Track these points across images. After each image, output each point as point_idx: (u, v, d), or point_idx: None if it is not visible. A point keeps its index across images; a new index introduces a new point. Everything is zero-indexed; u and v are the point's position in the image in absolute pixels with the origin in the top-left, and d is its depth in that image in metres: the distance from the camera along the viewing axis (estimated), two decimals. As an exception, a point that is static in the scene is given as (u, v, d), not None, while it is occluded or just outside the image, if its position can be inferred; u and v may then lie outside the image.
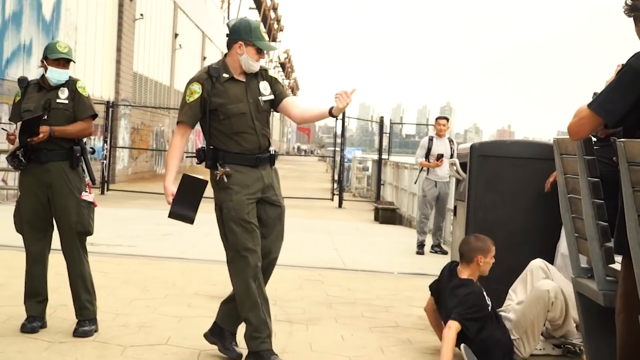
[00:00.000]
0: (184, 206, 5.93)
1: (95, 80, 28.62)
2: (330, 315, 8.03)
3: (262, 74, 6.22)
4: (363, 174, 36.15)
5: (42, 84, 6.78)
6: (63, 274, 6.85)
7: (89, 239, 6.85)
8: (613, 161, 4.81)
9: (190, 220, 5.96)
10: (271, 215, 6.15)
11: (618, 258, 4.75)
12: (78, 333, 6.58)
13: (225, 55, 6.16)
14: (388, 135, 29.96)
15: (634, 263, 3.89)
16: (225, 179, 5.92)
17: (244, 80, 6.09)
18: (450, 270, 6.74)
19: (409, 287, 10.14)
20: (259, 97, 6.08)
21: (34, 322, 6.67)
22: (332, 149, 36.58)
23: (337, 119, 27.03)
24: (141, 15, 34.58)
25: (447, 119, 14.54)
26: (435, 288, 6.80)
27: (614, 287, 4.71)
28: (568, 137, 5.09)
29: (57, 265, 7.18)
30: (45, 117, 6.59)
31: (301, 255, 12.75)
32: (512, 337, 6.57)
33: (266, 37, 6.15)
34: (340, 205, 25.62)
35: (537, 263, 6.70)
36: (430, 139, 14.18)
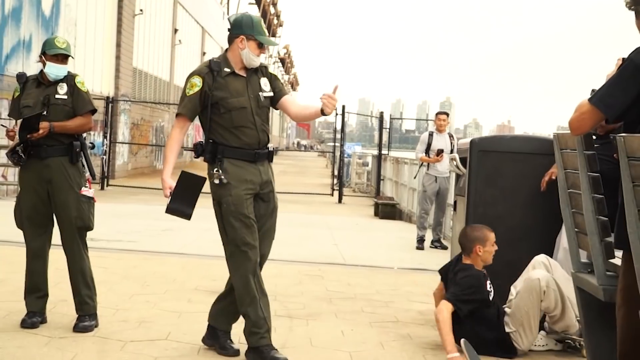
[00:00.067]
0: (181, 202, 5.94)
1: (95, 75, 28.60)
2: (330, 311, 8.03)
3: (262, 70, 6.24)
4: (363, 170, 36.13)
5: (40, 79, 6.78)
6: (63, 269, 6.86)
7: (88, 234, 6.85)
8: (613, 158, 4.80)
9: (187, 216, 5.97)
10: (264, 212, 6.15)
11: (618, 253, 4.75)
12: (78, 328, 6.58)
13: (227, 50, 6.17)
14: (388, 130, 29.94)
15: (634, 258, 3.88)
16: (221, 180, 5.93)
17: (245, 75, 6.10)
18: (458, 257, 6.86)
19: (409, 282, 10.14)
20: (259, 93, 6.10)
21: (34, 317, 6.67)
22: (332, 144, 36.60)
23: (336, 115, 27.17)
24: (141, 10, 34.55)
25: (447, 114, 14.52)
26: (444, 272, 6.89)
27: (614, 282, 4.71)
28: (568, 132, 5.10)
29: (57, 261, 7.18)
30: (45, 112, 6.59)
31: (301, 250, 12.77)
32: (509, 330, 6.59)
33: (267, 32, 6.16)
34: (340, 201, 25.61)
35: (540, 259, 6.70)
36: (430, 134, 14.16)
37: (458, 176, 8.36)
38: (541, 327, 6.77)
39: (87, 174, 6.82)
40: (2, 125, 7.61)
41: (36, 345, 6.12)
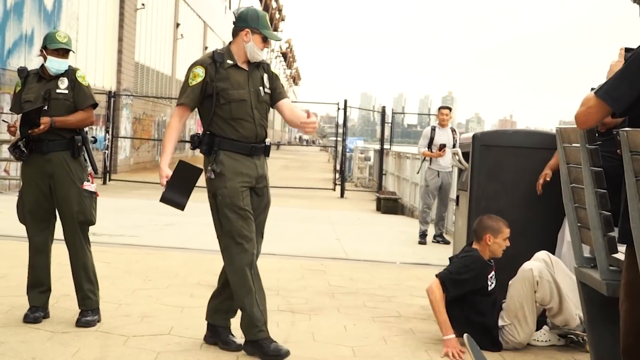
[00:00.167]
0: (176, 192, 5.94)
1: (96, 70, 28.60)
2: (333, 305, 8.03)
3: (264, 67, 6.26)
4: (365, 164, 36.15)
5: (41, 74, 6.77)
6: (66, 264, 6.85)
7: (91, 228, 6.85)
8: (616, 154, 4.79)
9: (181, 206, 5.97)
10: (257, 205, 6.16)
11: (621, 248, 4.74)
12: (81, 323, 6.58)
13: (230, 42, 6.19)
14: (390, 125, 29.94)
15: (637, 252, 3.88)
16: (214, 172, 5.94)
17: (247, 69, 6.11)
18: (468, 243, 6.94)
19: (411, 277, 10.14)
20: (260, 87, 6.11)
21: (37, 312, 6.67)
22: (334, 138, 36.58)
23: (338, 109, 27.17)
24: (142, 5, 34.54)
25: (450, 109, 14.50)
26: (453, 258, 6.96)
27: (617, 276, 4.70)
28: (571, 126, 5.09)
29: (59, 256, 7.18)
30: (46, 107, 6.58)
31: (303, 245, 12.77)
32: (504, 323, 6.60)
33: (270, 27, 6.19)
34: (342, 195, 25.61)
35: (541, 255, 6.70)
36: (433, 129, 14.14)
37: (460, 171, 8.34)
38: (544, 323, 6.77)
39: (90, 169, 6.82)
40: (3, 120, 7.61)
41: (39, 340, 6.12)
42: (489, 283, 6.65)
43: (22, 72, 6.87)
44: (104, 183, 24.88)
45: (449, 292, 6.48)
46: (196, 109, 6.16)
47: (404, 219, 19.45)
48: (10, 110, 7.02)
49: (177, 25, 43.54)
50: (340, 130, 28.12)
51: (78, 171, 6.68)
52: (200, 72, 6.04)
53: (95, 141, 7.08)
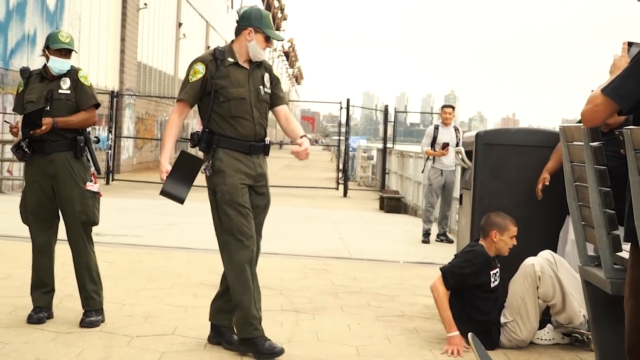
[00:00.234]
0: (177, 185, 5.94)
1: (99, 70, 28.61)
2: (337, 305, 8.03)
3: (267, 67, 6.28)
4: (368, 163, 36.12)
5: (44, 74, 6.76)
6: (69, 265, 6.85)
7: (94, 229, 6.84)
8: (619, 154, 4.79)
9: (180, 200, 5.97)
10: (257, 204, 6.16)
11: (625, 246, 4.73)
12: (85, 323, 6.58)
13: (232, 41, 6.19)
14: (392, 123, 29.92)
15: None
16: (212, 168, 5.96)
17: (248, 67, 6.11)
18: (475, 239, 6.94)
19: (414, 276, 10.13)
20: (260, 87, 6.12)
21: (41, 312, 6.67)
22: (337, 138, 36.57)
23: (341, 108, 27.15)
24: (145, 4, 34.54)
25: (453, 108, 14.50)
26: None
27: (621, 275, 4.69)
28: (574, 125, 5.08)
29: (63, 256, 7.18)
30: (48, 108, 6.58)
31: (306, 244, 12.77)
32: (506, 320, 6.60)
33: (273, 27, 6.21)
34: (345, 195, 25.60)
35: (545, 255, 6.68)
36: (436, 128, 14.13)
37: (464, 169, 8.33)
38: (548, 322, 6.76)
39: (92, 169, 6.82)
40: (5, 121, 7.61)
41: (43, 340, 6.12)
42: (492, 280, 6.64)
43: (25, 72, 6.87)
44: (107, 183, 24.88)
45: (449, 284, 6.48)
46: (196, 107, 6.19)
47: (407, 218, 19.44)
48: (13, 110, 7.02)
49: (180, 24, 43.55)
50: (343, 130, 28.11)
51: (81, 171, 6.68)
52: (200, 68, 6.06)
53: (98, 141, 7.08)
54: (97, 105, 6.83)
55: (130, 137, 32.63)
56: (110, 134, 26.48)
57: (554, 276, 6.46)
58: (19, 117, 6.65)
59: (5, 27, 20.34)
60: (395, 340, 6.74)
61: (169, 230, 13.70)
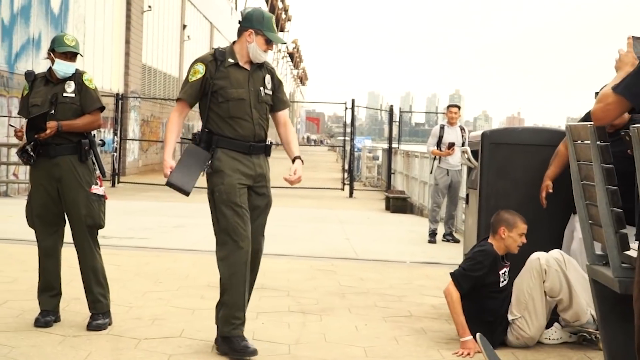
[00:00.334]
0: (183, 177, 5.94)
1: (104, 72, 28.65)
2: (344, 306, 8.02)
3: (269, 69, 6.29)
4: (373, 163, 36.14)
5: (49, 77, 6.76)
6: (76, 267, 6.85)
7: (100, 231, 6.84)
8: (626, 154, 4.78)
9: (186, 192, 5.95)
10: (257, 205, 6.16)
11: (633, 245, 4.72)
12: (92, 326, 6.57)
13: (234, 41, 6.20)
14: (398, 123, 29.91)
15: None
16: (209, 171, 6.00)
17: (249, 69, 6.12)
18: (484, 238, 6.92)
19: (421, 276, 10.12)
20: (260, 88, 6.13)
21: (48, 316, 6.66)
22: (342, 138, 36.58)
23: (346, 108, 27.15)
24: (149, 7, 34.57)
25: (459, 107, 14.48)
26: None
27: (629, 273, 4.68)
28: (581, 123, 5.07)
29: (69, 259, 7.18)
30: (52, 111, 6.58)
31: (313, 245, 12.77)
32: (513, 317, 6.58)
33: (276, 30, 6.19)
34: (351, 195, 25.61)
35: (554, 254, 6.66)
36: (442, 127, 14.12)
37: (470, 169, 8.32)
38: (556, 321, 6.75)
39: (98, 172, 6.81)
40: (10, 125, 7.62)
41: (50, 344, 6.12)
42: (501, 279, 6.63)
43: (30, 75, 6.87)
44: (113, 185, 24.92)
45: (463, 288, 6.46)
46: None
47: (413, 217, 19.43)
48: (18, 114, 7.02)
49: (184, 26, 43.58)
50: (348, 130, 28.11)
51: (86, 175, 6.67)
52: (200, 68, 6.09)
53: (103, 144, 7.08)
54: (102, 109, 6.82)
55: (136, 140, 32.66)
56: (115, 137, 26.51)
57: (560, 271, 6.44)
58: (24, 121, 6.65)
59: (10, 30, 20.37)
60: (403, 341, 6.73)
61: (175, 232, 13.70)
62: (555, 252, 6.63)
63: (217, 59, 6.09)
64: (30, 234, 6.95)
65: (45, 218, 6.70)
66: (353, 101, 26.79)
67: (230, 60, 6.11)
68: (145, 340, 6.33)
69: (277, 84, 6.31)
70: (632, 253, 4.66)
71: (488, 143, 7.53)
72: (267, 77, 6.22)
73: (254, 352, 5.96)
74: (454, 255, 11.22)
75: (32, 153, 6.58)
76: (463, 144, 13.30)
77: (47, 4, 22.92)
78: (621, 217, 4.78)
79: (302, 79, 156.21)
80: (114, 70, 30.37)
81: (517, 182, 7.42)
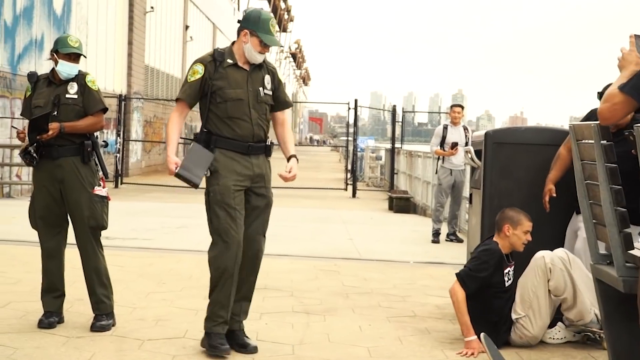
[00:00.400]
0: (191, 169, 5.94)
1: (107, 73, 28.66)
2: (347, 306, 8.01)
3: (270, 69, 6.27)
4: (376, 163, 36.13)
5: (51, 78, 6.76)
6: (79, 269, 6.84)
7: (103, 232, 6.84)
8: (631, 154, 4.77)
9: (195, 183, 5.94)
10: (256, 205, 6.17)
11: (638, 244, 4.72)
12: (95, 328, 6.57)
13: (234, 42, 6.20)
14: (401, 123, 29.90)
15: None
16: (208, 172, 6.00)
17: (247, 69, 6.12)
18: (489, 236, 6.92)
19: (425, 276, 10.11)
20: (260, 88, 6.12)
21: (51, 317, 6.66)
22: (345, 138, 36.56)
23: (349, 109, 27.15)
24: (152, 8, 34.58)
25: (462, 107, 14.47)
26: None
27: (633, 273, 4.68)
28: (584, 123, 5.06)
29: (72, 260, 7.17)
30: (55, 113, 6.57)
31: (316, 245, 12.76)
32: (517, 316, 6.57)
33: (275, 31, 6.14)
34: (354, 195, 25.60)
35: (559, 253, 6.65)
36: (445, 127, 14.11)
37: (473, 169, 8.31)
38: (559, 320, 6.74)
39: (100, 173, 6.81)
40: (12, 126, 7.61)
41: (54, 345, 6.12)
42: (506, 279, 6.62)
43: (32, 77, 6.87)
44: (116, 186, 24.92)
45: (469, 288, 6.45)
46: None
47: (416, 217, 19.42)
48: (21, 115, 7.02)
49: (187, 27, 43.60)
50: (351, 130, 28.11)
51: (88, 176, 6.67)
52: (199, 69, 6.11)
53: (106, 145, 7.08)
54: (105, 110, 6.82)
55: (139, 141, 32.68)
56: (118, 138, 26.52)
57: (564, 269, 6.43)
58: (27, 122, 6.64)
59: (12, 32, 20.38)
60: (407, 341, 6.72)
61: (178, 233, 13.70)
62: (560, 251, 6.62)
63: (215, 60, 6.10)
64: (34, 235, 6.95)
65: (48, 219, 6.70)
66: (356, 101, 26.79)
67: (229, 60, 6.12)
68: (149, 341, 6.33)
69: (277, 84, 6.31)
70: (636, 252, 4.66)
71: (491, 143, 7.52)
72: (267, 77, 6.22)
73: (225, 351, 6.01)
74: (458, 255, 11.21)
75: (34, 154, 6.58)
76: (466, 144, 13.29)
77: (50, 5, 22.93)
78: (625, 216, 4.77)
79: (304, 79, 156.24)
80: (116, 71, 30.39)
81: (520, 181, 7.41)
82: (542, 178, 7.20)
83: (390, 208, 20.98)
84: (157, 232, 13.73)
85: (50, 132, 6.47)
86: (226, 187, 5.97)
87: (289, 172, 6.14)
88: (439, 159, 14.35)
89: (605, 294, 5.14)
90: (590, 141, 4.97)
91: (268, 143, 6.21)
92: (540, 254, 6.55)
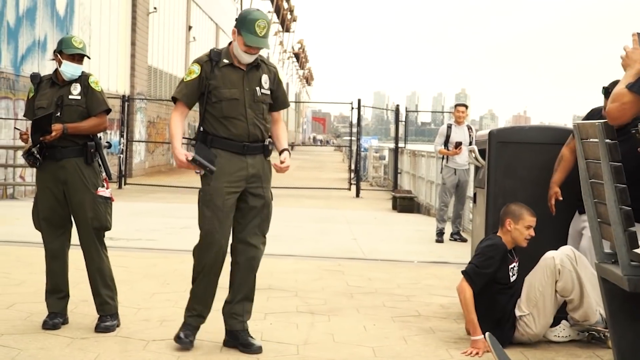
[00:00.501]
0: (205, 158, 5.94)
1: (110, 74, 28.67)
2: (352, 306, 8.01)
3: (269, 68, 6.27)
4: (380, 163, 36.11)
5: (54, 79, 6.75)
6: (83, 269, 6.85)
7: (107, 233, 6.84)
8: (633, 152, 4.76)
9: (211, 168, 5.92)
10: (253, 205, 6.18)
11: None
12: (100, 329, 6.57)
13: (230, 42, 6.20)
14: (404, 123, 29.89)
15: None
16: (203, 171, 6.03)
17: (244, 68, 6.12)
18: (493, 232, 6.92)
19: (429, 275, 10.10)
20: (256, 87, 6.12)
21: (56, 318, 6.66)
22: (348, 138, 36.57)
23: (352, 108, 27.14)
24: (155, 8, 34.59)
25: (467, 107, 14.46)
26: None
27: (638, 272, 4.67)
28: (588, 121, 5.05)
29: (76, 261, 7.17)
30: (58, 114, 6.57)
31: (320, 245, 12.76)
32: (521, 314, 6.56)
33: (262, 32, 6.05)
34: (357, 195, 25.59)
35: (566, 250, 6.63)
36: (449, 127, 14.10)
37: (477, 168, 8.30)
38: (564, 319, 6.73)
39: (104, 174, 6.81)
40: (16, 128, 7.61)
41: (58, 346, 6.12)
42: (511, 274, 6.61)
43: (35, 78, 6.87)
44: (120, 187, 24.93)
45: (476, 285, 6.43)
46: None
47: (420, 217, 19.42)
48: (24, 116, 7.02)
49: (189, 28, 43.60)
50: (355, 130, 28.11)
51: (92, 177, 6.67)
52: (195, 69, 6.14)
53: (109, 146, 7.08)
54: (108, 111, 6.82)
55: (142, 141, 32.69)
56: (122, 138, 26.52)
57: (573, 271, 6.42)
58: (30, 124, 6.64)
59: (15, 33, 20.38)
60: (412, 341, 6.72)
61: (182, 233, 13.70)
62: (567, 249, 6.60)
63: (212, 60, 6.13)
64: (37, 236, 6.95)
65: (51, 220, 6.70)
66: (359, 101, 26.78)
67: (225, 60, 6.13)
68: (153, 342, 6.33)
69: (277, 84, 6.30)
70: (641, 251, 4.65)
71: (495, 142, 7.51)
72: (265, 77, 6.21)
73: (186, 345, 6.15)
74: (462, 254, 11.21)
75: (38, 156, 6.57)
76: (470, 143, 13.27)
77: (53, 6, 22.94)
78: (630, 215, 4.76)
79: (308, 79, 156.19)
80: (119, 72, 30.40)
81: (524, 180, 7.41)
82: (546, 177, 7.20)
83: (394, 208, 20.98)
84: (161, 232, 13.73)
85: (53, 134, 6.47)
86: (216, 189, 6.02)
87: (282, 162, 6.14)
88: (443, 158, 14.34)
89: (610, 292, 5.13)
90: (594, 140, 4.96)
91: (266, 143, 6.20)
92: (551, 254, 6.53)
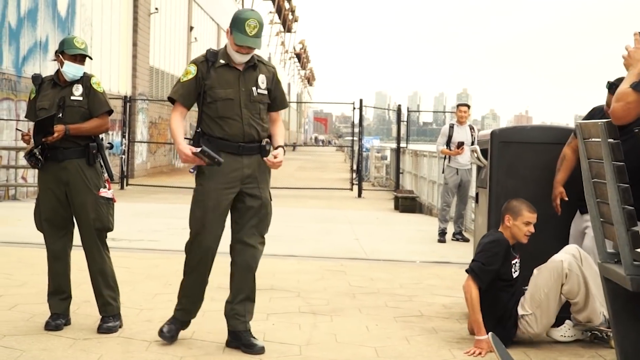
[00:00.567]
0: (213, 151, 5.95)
1: (112, 75, 28.67)
2: (354, 306, 8.00)
3: (268, 68, 6.27)
4: (382, 163, 36.14)
5: (56, 80, 6.74)
6: (85, 270, 6.84)
7: (109, 234, 6.83)
8: (635, 151, 4.76)
9: (218, 160, 5.92)
10: (250, 205, 6.20)
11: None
12: (102, 329, 6.57)
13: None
14: (406, 123, 29.88)
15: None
16: (195, 171, 6.12)
17: (240, 69, 6.12)
18: (494, 229, 6.91)
19: (431, 275, 10.10)
20: (253, 88, 6.12)
21: (58, 319, 6.66)
22: (350, 138, 36.57)
23: (354, 108, 27.14)
24: (156, 9, 34.59)
25: (469, 106, 14.45)
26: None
27: (642, 271, 4.67)
28: (591, 121, 5.05)
29: (78, 262, 7.17)
30: (60, 115, 6.57)
31: (322, 245, 12.75)
32: (524, 313, 6.55)
33: (253, 32, 6.01)
34: (359, 195, 25.59)
35: (571, 249, 6.63)
36: (451, 127, 14.10)
37: (479, 168, 8.30)
38: (567, 318, 6.72)
39: (106, 175, 6.80)
40: (17, 129, 7.61)
41: (61, 347, 6.12)
42: (513, 270, 6.61)
43: (37, 79, 6.86)
44: (122, 188, 24.93)
45: (483, 282, 6.42)
46: None
47: (422, 217, 19.42)
48: (26, 117, 7.02)
49: (191, 28, 43.61)
50: (356, 130, 28.10)
51: (94, 178, 6.67)
52: (192, 69, 6.16)
53: (111, 147, 7.08)
54: (110, 112, 6.81)
55: (144, 142, 32.69)
56: (123, 139, 26.53)
57: (580, 274, 6.41)
58: (32, 124, 6.63)
59: (17, 34, 20.39)
60: (414, 341, 6.71)
61: (184, 234, 13.55)
62: (573, 249, 6.59)
63: (208, 60, 6.15)
64: (39, 237, 6.95)
65: (53, 221, 6.70)
66: (361, 101, 26.79)
67: (222, 61, 6.15)
68: (156, 343, 6.33)
69: (274, 84, 6.28)
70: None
71: (497, 142, 7.51)
72: (262, 77, 6.21)
73: (168, 339, 6.27)
74: (464, 254, 11.20)
75: (39, 157, 6.57)
76: (472, 143, 13.27)
77: (54, 7, 22.94)
78: (632, 214, 4.75)
79: (309, 80, 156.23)
80: (121, 73, 30.40)
81: (526, 180, 7.41)
82: (548, 176, 7.19)
83: (396, 208, 20.98)
84: (163, 233, 13.73)
85: (55, 135, 6.46)
86: (210, 190, 6.08)
87: (275, 157, 6.09)
88: (445, 158, 14.34)
89: (613, 292, 5.13)
90: (597, 139, 4.95)
91: (263, 143, 6.19)
92: (559, 257, 6.50)
